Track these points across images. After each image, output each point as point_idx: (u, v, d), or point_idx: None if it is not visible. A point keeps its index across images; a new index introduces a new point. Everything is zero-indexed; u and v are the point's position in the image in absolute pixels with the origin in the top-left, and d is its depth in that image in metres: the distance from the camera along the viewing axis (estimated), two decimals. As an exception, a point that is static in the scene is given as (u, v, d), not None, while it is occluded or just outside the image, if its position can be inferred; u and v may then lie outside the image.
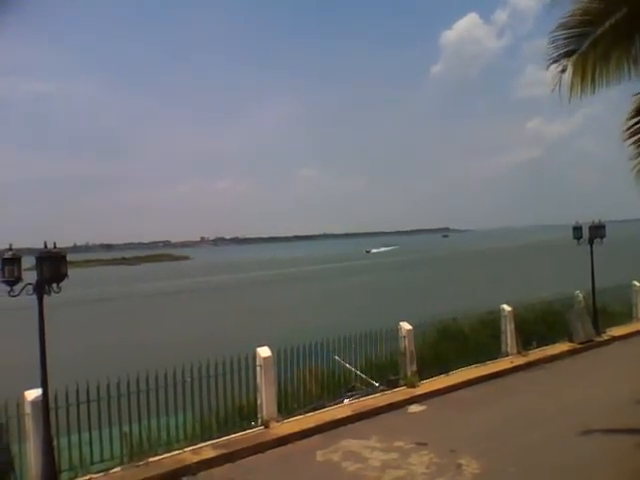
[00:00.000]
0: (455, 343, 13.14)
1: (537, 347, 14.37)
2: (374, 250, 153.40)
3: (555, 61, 8.41)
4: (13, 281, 6.75)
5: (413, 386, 11.48)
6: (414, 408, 10.67)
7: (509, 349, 13.89)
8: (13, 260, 6.78)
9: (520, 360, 13.50)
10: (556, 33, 8.29)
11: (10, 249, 6.83)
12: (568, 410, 10.06)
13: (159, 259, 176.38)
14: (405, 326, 11.97)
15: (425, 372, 12.07)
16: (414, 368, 11.84)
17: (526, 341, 14.26)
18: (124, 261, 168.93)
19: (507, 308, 14.11)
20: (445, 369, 12.48)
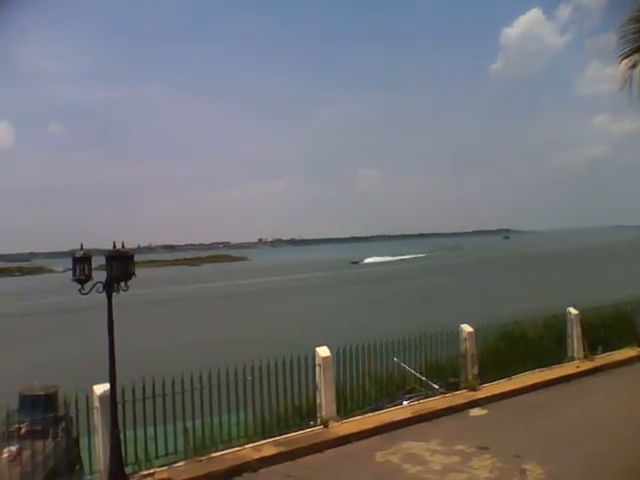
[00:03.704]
0: (518, 347, 12.84)
1: (603, 352, 13.82)
2: (368, 260, 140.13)
3: (626, 56, 8.07)
4: (84, 279, 7.00)
5: (474, 389, 11.26)
6: (475, 412, 10.47)
7: (575, 353, 13.45)
8: (84, 259, 7.03)
9: (586, 365, 13.03)
10: (626, 27, 7.95)
11: (81, 249, 7.11)
12: (637, 416, 9.65)
13: (219, 260, 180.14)
14: (466, 328, 11.77)
15: (486, 376, 11.82)
16: (475, 371, 11.63)
17: (592, 346, 13.75)
18: (185, 262, 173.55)
19: (573, 311, 13.66)
20: (507, 373, 12.18)
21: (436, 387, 11.20)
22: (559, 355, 13.37)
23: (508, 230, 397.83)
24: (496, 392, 11.24)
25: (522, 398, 11.23)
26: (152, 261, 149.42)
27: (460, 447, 8.54)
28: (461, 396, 11.00)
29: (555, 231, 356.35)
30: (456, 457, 8.21)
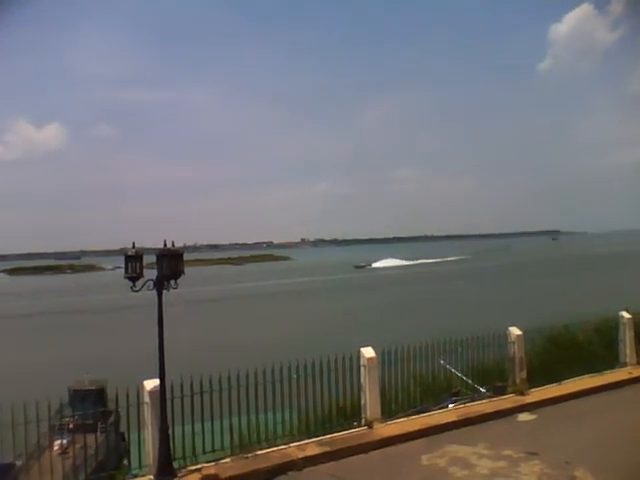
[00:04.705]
0: (566, 351, 12.52)
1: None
2: (376, 264, 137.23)
3: None
4: (135, 277, 7.19)
5: (522, 394, 11.03)
6: (524, 417, 10.24)
7: (627, 359, 13.04)
8: (135, 257, 7.22)
9: (639, 371, 12.59)
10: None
11: (133, 247, 7.28)
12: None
13: (262, 259, 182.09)
14: (514, 331, 11.54)
15: (534, 380, 11.57)
16: (523, 375, 11.39)
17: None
18: (230, 261, 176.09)
19: (626, 315, 13.23)
20: (556, 378, 11.89)
21: (483, 390, 11.02)
22: (610, 361, 12.99)
23: (557, 231, 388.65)
24: (545, 397, 11.00)
25: (572, 404, 10.94)
26: (197, 260, 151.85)
27: (508, 452, 8.38)
28: (509, 400, 10.79)
29: (609, 233, 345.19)
30: (504, 462, 8.05)
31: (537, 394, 11.15)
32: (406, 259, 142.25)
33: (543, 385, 11.61)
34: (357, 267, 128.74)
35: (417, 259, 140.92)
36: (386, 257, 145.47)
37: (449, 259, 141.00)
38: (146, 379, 7.87)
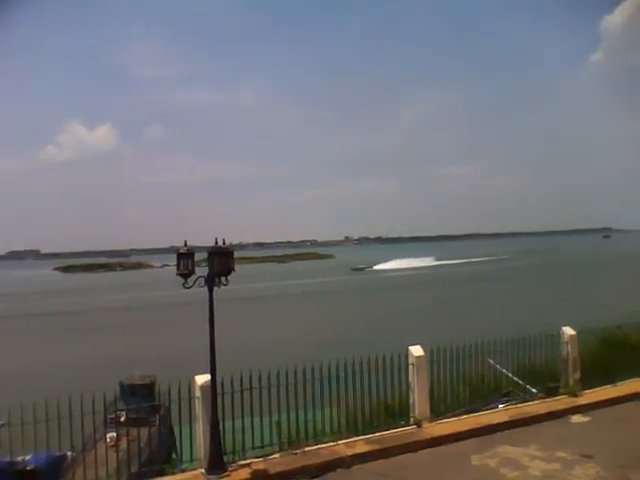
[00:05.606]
0: (620, 352, 12.15)
1: None
2: (377, 267, 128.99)
3: None
4: (187, 274, 7.33)
5: (575, 395, 10.76)
6: (577, 418, 9.98)
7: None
8: (187, 255, 7.35)
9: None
10: None
11: (185, 245, 7.43)
12: None
13: (306, 257, 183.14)
14: (568, 331, 11.27)
15: (587, 381, 11.26)
16: (577, 376, 11.11)
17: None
18: (274, 259, 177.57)
19: (684, 316, 12.73)
20: (609, 379, 11.54)
21: (534, 391, 10.80)
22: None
23: (609, 229, 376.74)
24: (599, 399, 10.69)
25: (628, 406, 10.60)
26: (242, 258, 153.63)
27: (561, 454, 8.18)
28: (561, 402, 10.54)
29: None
30: (557, 464, 7.87)
31: (590, 395, 10.86)
32: (438, 259, 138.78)
33: (596, 386, 11.29)
34: (354, 270, 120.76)
35: (451, 259, 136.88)
36: (425, 256, 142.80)
37: (484, 259, 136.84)
38: (191, 375, 8.00)
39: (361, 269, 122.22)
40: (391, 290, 74.67)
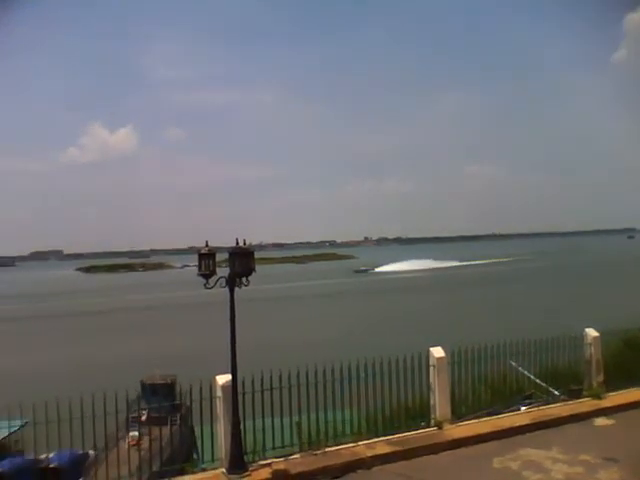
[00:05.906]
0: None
1: None
2: (379, 269, 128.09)
3: None
4: (208, 274, 7.37)
5: (599, 398, 10.59)
6: (601, 421, 9.83)
7: None
8: (209, 255, 7.40)
9: None
10: None
11: (206, 245, 7.47)
12: None
13: (325, 258, 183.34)
14: (591, 333, 11.09)
15: (611, 384, 11.09)
16: (600, 379, 10.94)
17: None
18: (294, 259, 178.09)
19: None
20: (634, 382, 11.35)
21: (557, 394, 10.67)
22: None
23: (633, 229, 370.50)
24: (624, 402, 10.50)
25: (652, 409, 10.43)
26: (262, 258, 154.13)
27: (585, 457, 8.07)
28: (585, 404, 10.39)
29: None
30: (580, 467, 7.76)
31: (615, 398, 10.68)
32: (461, 259, 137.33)
33: (620, 389, 11.11)
34: (356, 272, 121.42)
35: (472, 260, 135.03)
36: (443, 257, 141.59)
37: (500, 260, 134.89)
38: (212, 375, 8.04)
39: (363, 271, 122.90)
40: (405, 292, 74.43)
